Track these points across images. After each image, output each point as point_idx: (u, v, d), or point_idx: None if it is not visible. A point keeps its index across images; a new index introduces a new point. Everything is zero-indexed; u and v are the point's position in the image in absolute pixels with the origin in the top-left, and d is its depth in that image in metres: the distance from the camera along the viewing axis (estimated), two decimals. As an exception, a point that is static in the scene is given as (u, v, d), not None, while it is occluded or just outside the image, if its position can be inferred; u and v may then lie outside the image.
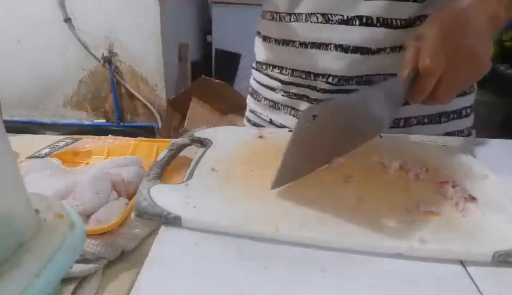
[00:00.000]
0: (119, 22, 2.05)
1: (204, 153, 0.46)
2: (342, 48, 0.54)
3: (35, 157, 0.51)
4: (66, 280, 0.31)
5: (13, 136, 0.62)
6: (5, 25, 2.07)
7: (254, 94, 0.71)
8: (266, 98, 0.67)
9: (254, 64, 0.71)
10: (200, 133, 0.52)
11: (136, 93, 2.18)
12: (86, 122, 2.28)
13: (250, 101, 0.73)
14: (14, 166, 0.21)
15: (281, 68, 0.62)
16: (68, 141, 0.57)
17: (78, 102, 2.26)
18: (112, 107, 2.23)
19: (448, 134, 0.60)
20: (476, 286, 0.28)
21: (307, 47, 0.57)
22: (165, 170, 0.42)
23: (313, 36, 0.56)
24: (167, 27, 2.10)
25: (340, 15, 0.53)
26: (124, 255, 0.35)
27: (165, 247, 0.32)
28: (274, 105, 0.66)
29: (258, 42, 0.67)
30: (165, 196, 0.36)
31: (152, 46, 2.08)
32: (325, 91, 0.57)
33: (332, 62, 0.55)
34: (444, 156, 0.46)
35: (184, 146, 0.49)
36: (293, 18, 0.57)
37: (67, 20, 2.04)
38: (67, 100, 2.26)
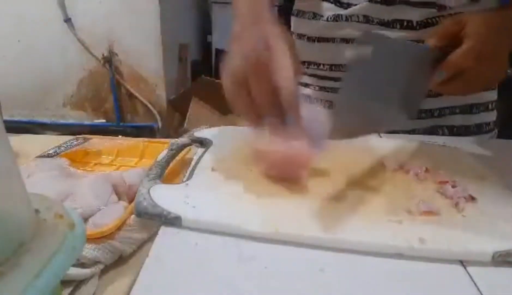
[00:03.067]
0: (119, 22, 2.05)
1: (204, 152, 0.46)
2: None
3: (45, 156, 0.51)
4: (62, 283, 0.31)
5: (13, 136, 0.62)
6: (5, 25, 2.08)
7: None
8: None
9: None
10: (200, 133, 0.52)
11: (136, 93, 2.18)
12: (86, 122, 2.28)
13: None
14: (14, 166, 0.21)
15: (318, 64, 0.64)
16: (79, 141, 0.57)
17: (78, 102, 2.26)
18: (112, 107, 2.23)
19: (477, 126, 0.64)
20: (476, 286, 0.28)
21: (348, 43, 0.60)
22: (165, 170, 0.42)
23: (353, 34, 0.58)
24: (167, 27, 2.10)
25: (381, 19, 0.57)
26: (122, 259, 0.35)
27: (165, 247, 0.32)
28: (306, 99, 0.67)
29: None
30: (165, 196, 0.36)
31: (152, 46, 2.08)
32: None
33: None
34: (444, 155, 0.47)
35: (184, 146, 0.49)
36: (337, 19, 0.59)
37: (67, 20, 2.04)
38: (67, 100, 2.26)
